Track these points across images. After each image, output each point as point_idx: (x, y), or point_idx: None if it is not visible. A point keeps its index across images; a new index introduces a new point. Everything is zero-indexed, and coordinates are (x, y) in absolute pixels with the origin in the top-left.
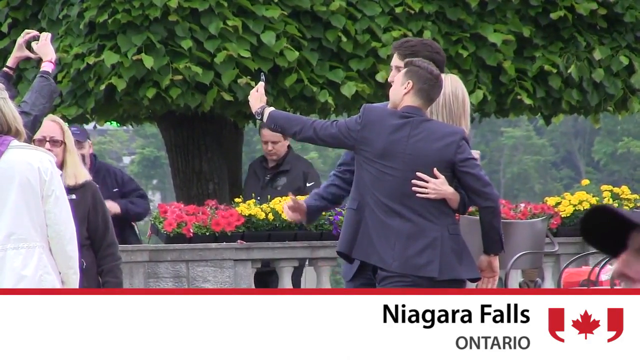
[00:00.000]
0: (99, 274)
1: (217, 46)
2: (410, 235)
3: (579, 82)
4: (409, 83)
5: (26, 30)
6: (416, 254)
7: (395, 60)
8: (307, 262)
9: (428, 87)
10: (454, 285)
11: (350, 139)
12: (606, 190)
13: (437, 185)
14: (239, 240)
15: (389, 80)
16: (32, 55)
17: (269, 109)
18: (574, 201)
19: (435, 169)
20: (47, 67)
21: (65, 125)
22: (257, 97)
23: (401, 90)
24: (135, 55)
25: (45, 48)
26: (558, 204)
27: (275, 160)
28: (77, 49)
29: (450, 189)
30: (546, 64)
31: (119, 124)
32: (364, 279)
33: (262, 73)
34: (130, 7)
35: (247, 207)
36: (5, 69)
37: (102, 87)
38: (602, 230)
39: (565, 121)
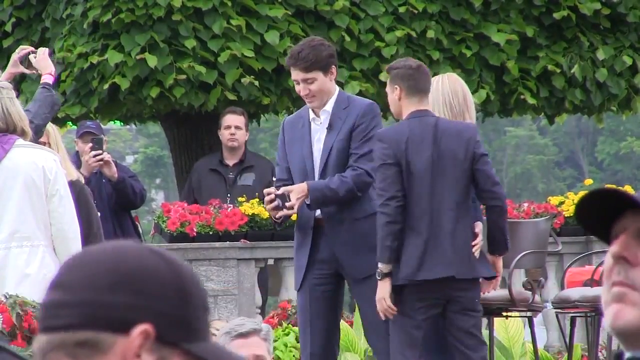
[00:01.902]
0: None
1: (220, 45)
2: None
3: (582, 81)
4: (396, 88)
5: (21, 47)
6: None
7: (298, 75)
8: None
9: (414, 81)
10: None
11: (395, 166)
12: None
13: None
14: (242, 240)
15: (299, 93)
16: (26, 71)
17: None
18: (577, 200)
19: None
20: (47, 79)
21: (54, 127)
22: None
23: (394, 97)
24: (139, 54)
25: (44, 62)
26: (561, 203)
27: (236, 148)
28: (81, 48)
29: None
30: (550, 64)
31: (122, 123)
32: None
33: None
34: (134, 7)
35: (251, 207)
36: None
37: (106, 86)
38: (599, 214)
39: (568, 121)
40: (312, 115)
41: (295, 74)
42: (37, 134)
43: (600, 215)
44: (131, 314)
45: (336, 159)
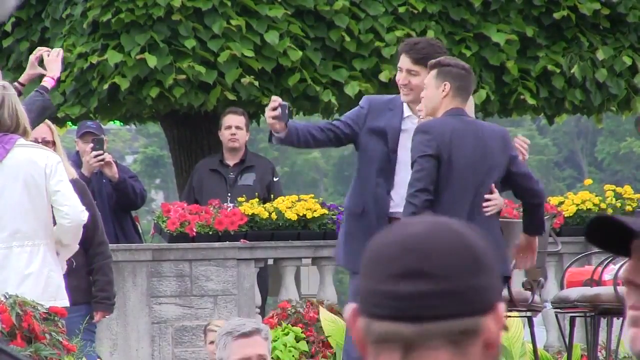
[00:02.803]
0: (89, 272)
1: (220, 45)
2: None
3: (582, 82)
4: (445, 85)
5: (39, 48)
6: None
7: (406, 63)
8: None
9: (465, 83)
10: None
11: (434, 159)
12: (609, 190)
13: (497, 199)
14: (242, 240)
15: (398, 82)
16: (43, 72)
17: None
18: (577, 201)
19: (493, 185)
20: (47, 82)
21: (54, 126)
22: None
23: (438, 93)
24: (139, 54)
25: (54, 64)
26: (561, 203)
27: (237, 149)
28: (81, 48)
29: (502, 200)
30: (549, 64)
31: (122, 123)
32: None
33: (287, 105)
34: (134, 7)
35: (250, 207)
36: (16, 83)
37: (106, 86)
38: (607, 238)
39: (568, 121)
40: (407, 112)
41: (403, 62)
42: None
43: (609, 239)
44: (490, 294)
45: None
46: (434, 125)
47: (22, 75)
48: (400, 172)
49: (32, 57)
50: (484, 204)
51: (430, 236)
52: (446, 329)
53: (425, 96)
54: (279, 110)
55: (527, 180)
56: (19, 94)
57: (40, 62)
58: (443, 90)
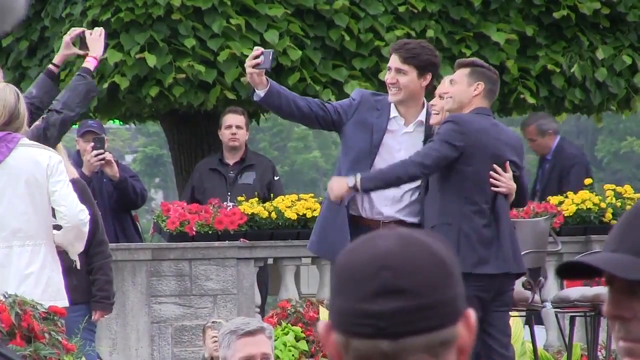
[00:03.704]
0: (89, 272)
1: (220, 45)
2: (505, 236)
3: (582, 81)
4: (479, 85)
5: (73, 28)
6: (514, 251)
7: (395, 62)
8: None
9: (495, 87)
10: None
11: (456, 151)
12: (609, 190)
13: (508, 180)
14: (241, 239)
15: (386, 81)
16: (79, 52)
17: (358, 175)
18: (576, 200)
19: (507, 162)
20: (89, 63)
21: None
22: (339, 180)
23: (470, 91)
24: (138, 53)
25: (96, 43)
26: (561, 203)
27: (237, 148)
28: None
29: (514, 186)
30: (549, 63)
31: (121, 122)
32: None
33: (271, 52)
34: (134, 6)
35: (250, 206)
36: (50, 66)
37: (105, 85)
38: (580, 274)
39: (568, 120)
40: (394, 113)
41: (392, 61)
42: (64, 126)
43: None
44: (460, 302)
45: None
46: (464, 118)
47: (56, 56)
48: (376, 164)
49: (66, 37)
50: (493, 176)
51: (403, 252)
52: (425, 343)
53: (453, 92)
54: (261, 58)
55: (523, 191)
56: (55, 75)
57: (74, 43)
58: (475, 90)
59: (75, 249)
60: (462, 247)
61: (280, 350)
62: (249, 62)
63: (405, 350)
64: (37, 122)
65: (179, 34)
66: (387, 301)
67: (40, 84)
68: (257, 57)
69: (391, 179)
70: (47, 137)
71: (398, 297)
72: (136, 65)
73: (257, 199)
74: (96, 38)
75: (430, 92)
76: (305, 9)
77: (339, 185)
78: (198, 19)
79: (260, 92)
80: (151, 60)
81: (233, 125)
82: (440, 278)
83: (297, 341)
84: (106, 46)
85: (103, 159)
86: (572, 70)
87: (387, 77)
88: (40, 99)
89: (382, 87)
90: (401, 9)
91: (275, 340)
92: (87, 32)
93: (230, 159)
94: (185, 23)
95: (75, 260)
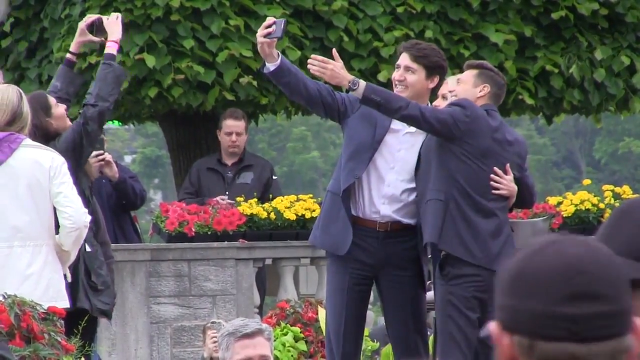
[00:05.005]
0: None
1: (219, 45)
2: (492, 233)
3: (580, 82)
4: (485, 87)
5: (88, 15)
6: (499, 251)
7: (405, 60)
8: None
9: (501, 92)
10: None
11: (457, 130)
12: (607, 190)
13: (509, 183)
14: (240, 240)
15: (393, 79)
16: (94, 39)
17: (363, 81)
18: (575, 201)
19: (508, 165)
20: (111, 48)
21: None
22: (343, 70)
23: (475, 92)
24: (137, 54)
25: (114, 26)
26: (560, 203)
27: (237, 153)
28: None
29: (515, 188)
30: (548, 64)
31: (120, 123)
32: (358, 266)
33: (284, 21)
34: (132, 7)
35: (249, 206)
36: (68, 55)
37: None
38: None
39: (566, 121)
40: None
41: (402, 59)
42: (102, 116)
43: None
44: (632, 312)
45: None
46: (473, 106)
47: (72, 43)
48: (375, 160)
49: (81, 24)
50: (494, 179)
51: (594, 258)
52: (612, 349)
53: (459, 90)
54: (273, 27)
55: (528, 189)
56: (73, 64)
57: (90, 31)
58: (481, 91)
59: (71, 257)
60: (446, 225)
61: (279, 350)
62: (260, 32)
63: (593, 354)
64: (75, 121)
65: (178, 34)
66: (583, 305)
67: (62, 76)
68: (269, 26)
69: (391, 102)
70: (89, 132)
71: (594, 301)
72: (135, 66)
73: (255, 199)
74: (113, 22)
75: (433, 94)
76: (304, 10)
77: (340, 73)
78: (197, 20)
79: (270, 66)
80: (150, 61)
81: (233, 133)
82: (625, 286)
83: (296, 341)
84: (103, 47)
85: (102, 159)
86: (570, 71)
87: (395, 74)
88: (66, 90)
89: (382, 86)
90: (400, 9)
91: (274, 340)
92: (104, 18)
93: (229, 160)
94: (184, 24)
95: (65, 274)
